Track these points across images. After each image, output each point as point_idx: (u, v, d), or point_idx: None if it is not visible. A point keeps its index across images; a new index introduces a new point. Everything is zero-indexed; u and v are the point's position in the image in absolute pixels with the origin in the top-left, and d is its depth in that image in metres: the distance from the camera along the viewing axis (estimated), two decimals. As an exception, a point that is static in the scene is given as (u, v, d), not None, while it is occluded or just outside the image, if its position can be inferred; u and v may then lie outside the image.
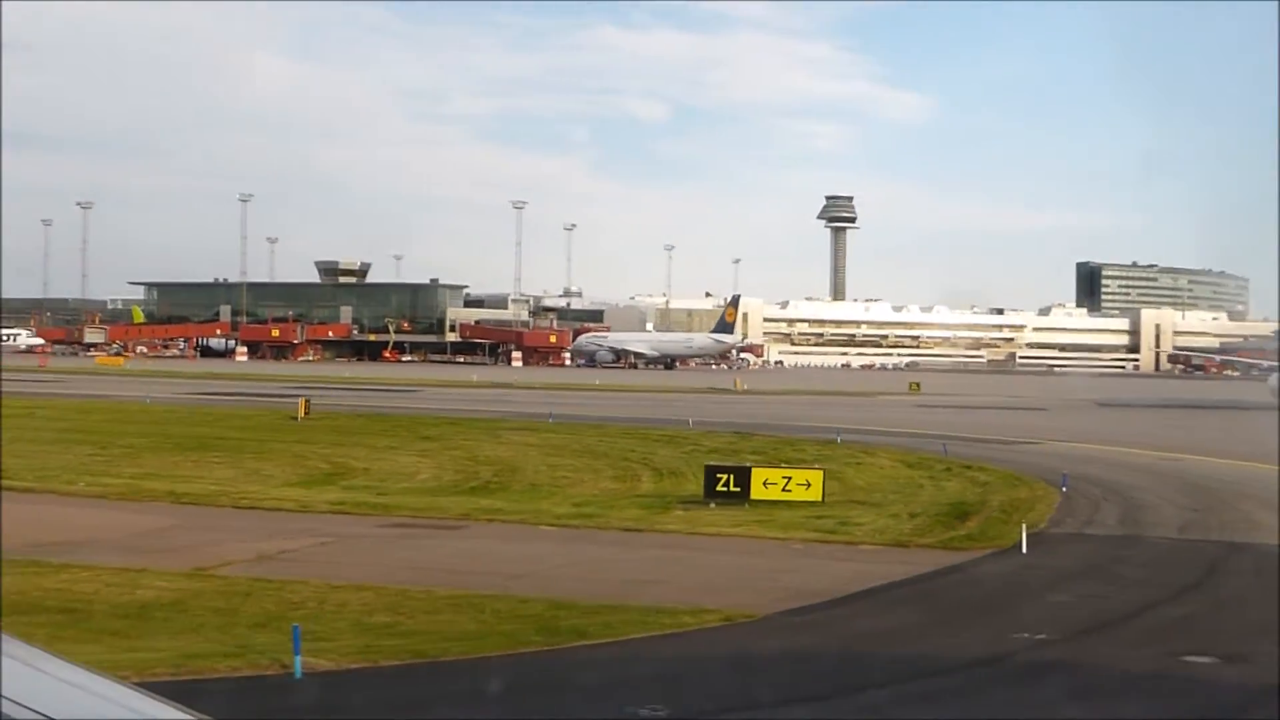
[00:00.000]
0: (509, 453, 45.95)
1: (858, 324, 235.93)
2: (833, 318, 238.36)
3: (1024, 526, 27.03)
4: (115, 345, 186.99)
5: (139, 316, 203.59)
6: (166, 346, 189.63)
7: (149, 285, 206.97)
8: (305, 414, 58.45)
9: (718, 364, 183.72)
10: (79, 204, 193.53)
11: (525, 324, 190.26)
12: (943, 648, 17.21)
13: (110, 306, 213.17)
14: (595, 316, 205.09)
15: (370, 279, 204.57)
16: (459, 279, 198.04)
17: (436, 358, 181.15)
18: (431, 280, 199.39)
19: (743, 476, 34.14)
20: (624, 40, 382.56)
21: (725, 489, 33.89)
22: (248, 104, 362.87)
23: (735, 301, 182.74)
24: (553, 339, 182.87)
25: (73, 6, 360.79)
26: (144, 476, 36.35)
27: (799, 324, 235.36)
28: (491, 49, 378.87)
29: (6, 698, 2.22)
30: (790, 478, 34.26)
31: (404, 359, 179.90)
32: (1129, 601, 21.00)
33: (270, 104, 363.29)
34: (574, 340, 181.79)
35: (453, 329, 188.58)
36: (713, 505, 32.96)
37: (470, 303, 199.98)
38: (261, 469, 40.14)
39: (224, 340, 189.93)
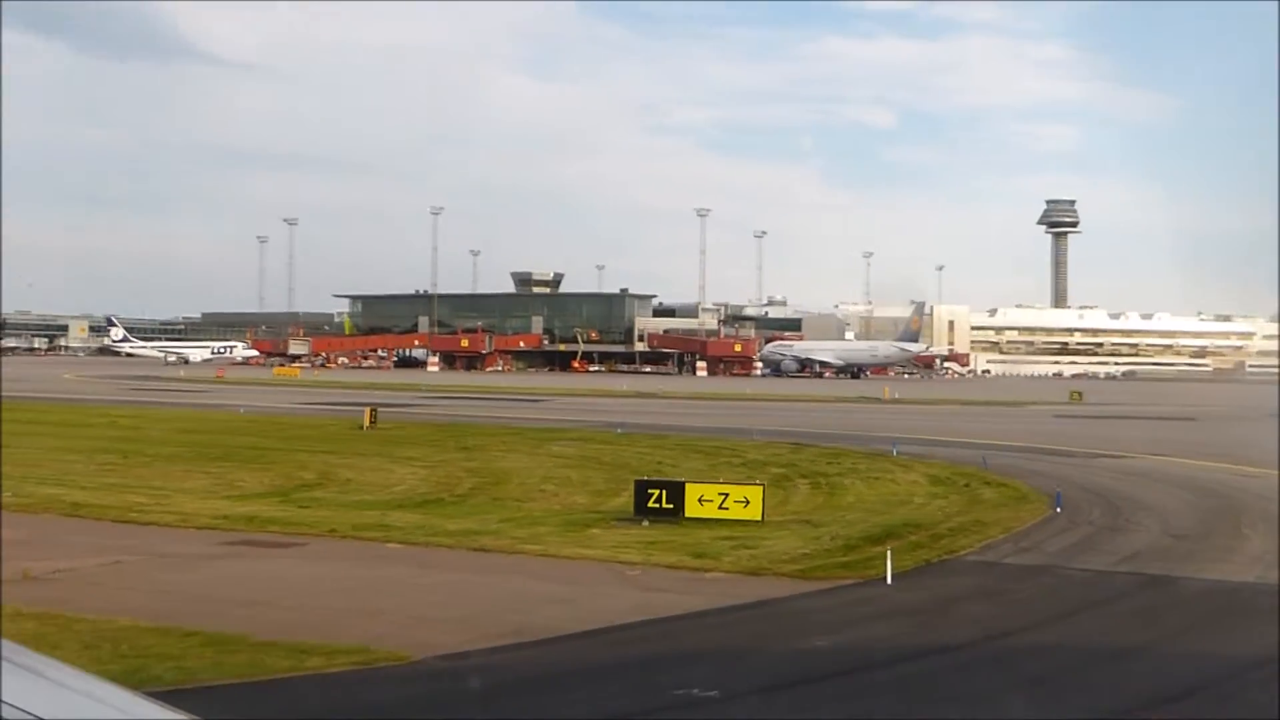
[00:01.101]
0: (521, 464, 44.28)
1: (1071, 331, 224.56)
2: (1044, 325, 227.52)
3: (889, 554, 23.35)
4: (319, 356, 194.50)
5: (350, 328, 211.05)
6: (366, 357, 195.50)
7: (353, 298, 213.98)
8: (371, 424, 58.04)
9: (915, 373, 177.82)
10: (285, 220, 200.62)
11: (711, 333, 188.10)
12: (556, 706, 14.38)
13: (338, 319, 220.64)
14: (793, 325, 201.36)
15: (564, 289, 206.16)
16: (667, 289, 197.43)
17: (624, 368, 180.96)
18: (621, 290, 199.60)
19: (676, 493, 31.39)
20: (850, 48, 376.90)
21: (658, 505, 31.22)
22: (482, 121, 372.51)
23: (921, 309, 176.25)
24: (737, 348, 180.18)
25: (308, 30, 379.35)
26: (101, 487, 35.72)
27: (1008, 332, 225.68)
28: (719, 61, 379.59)
29: (7, 703, 2.20)
30: (727, 494, 31.31)
31: (591, 369, 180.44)
32: (900, 649, 17.52)
33: (504, 121, 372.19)
34: (760, 349, 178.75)
35: (641, 339, 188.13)
36: (646, 523, 30.36)
37: (661, 312, 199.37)
38: (242, 480, 39.32)
39: (425, 351, 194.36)
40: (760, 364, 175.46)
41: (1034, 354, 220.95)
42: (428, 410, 71.81)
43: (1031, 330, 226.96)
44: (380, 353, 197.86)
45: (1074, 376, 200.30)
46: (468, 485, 39.17)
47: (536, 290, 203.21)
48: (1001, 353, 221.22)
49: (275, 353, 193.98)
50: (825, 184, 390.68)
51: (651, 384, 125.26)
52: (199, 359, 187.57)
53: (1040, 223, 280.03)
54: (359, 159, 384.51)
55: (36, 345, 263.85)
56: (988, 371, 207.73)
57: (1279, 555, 25.42)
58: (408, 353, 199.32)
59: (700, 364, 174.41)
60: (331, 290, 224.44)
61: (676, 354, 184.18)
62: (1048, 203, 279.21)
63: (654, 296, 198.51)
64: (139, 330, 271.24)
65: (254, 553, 25.10)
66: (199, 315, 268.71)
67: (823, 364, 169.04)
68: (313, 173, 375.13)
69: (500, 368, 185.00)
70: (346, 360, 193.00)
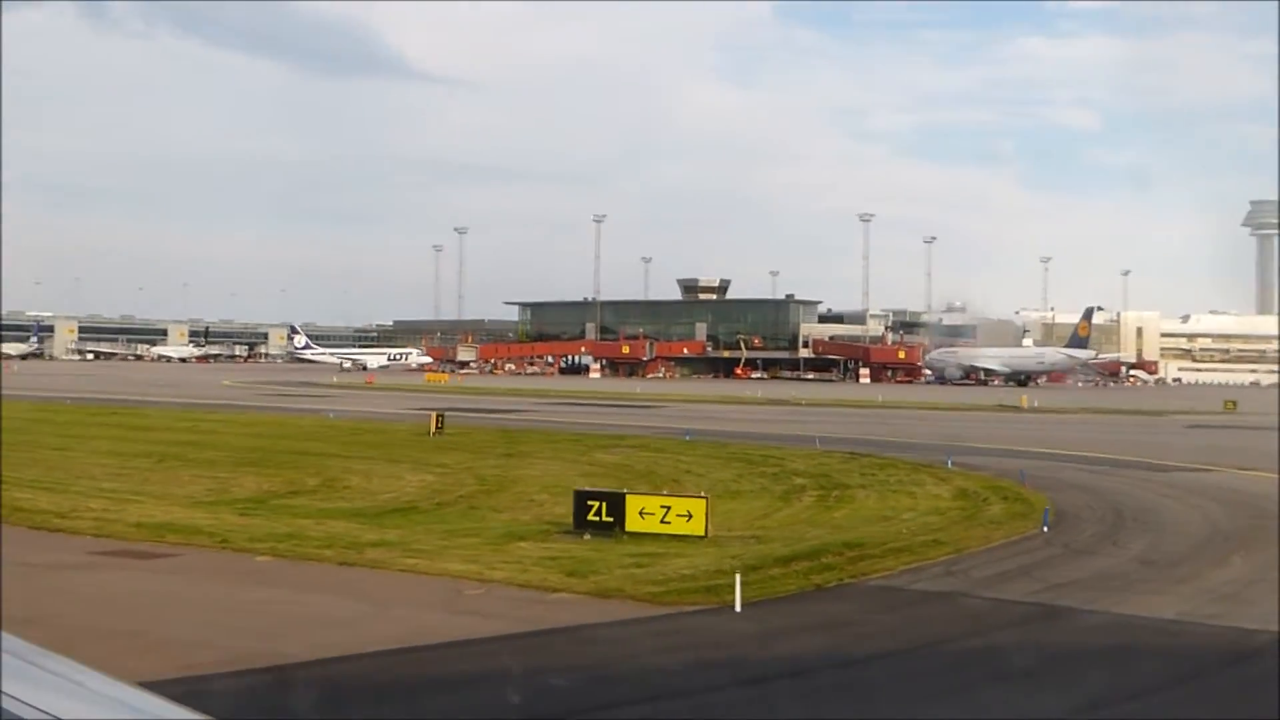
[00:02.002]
0: (542, 471, 42.99)
1: (1269, 338, 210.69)
2: (1241, 332, 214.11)
3: (737, 578, 20.73)
4: (487, 363, 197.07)
5: (522, 335, 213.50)
6: (532, 363, 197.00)
7: (523, 305, 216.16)
8: (437, 429, 57.46)
9: (1094, 380, 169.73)
10: (456, 229, 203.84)
11: (875, 340, 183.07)
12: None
13: (520, 326, 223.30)
14: (968, 332, 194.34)
15: (732, 295, 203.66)
16: (848, 295, 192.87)
17: (787, 374, 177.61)
18: (787, 296, 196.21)
19: (616, 505, 29.24)
20: (1051, 49, 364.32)
21: (597, 518, 29.15)
22: (675, 129, 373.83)
23: (1090, 314, 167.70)
24: (901, 354, 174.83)
25: (510, 44, 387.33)
26: (76, 491, 35.35)
27: (1200, 339, 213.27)
28: (918, 65, 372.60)
29: (7, 694, 2.14)
30: (669, 507, 28.90)
31: (754, 376, 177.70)
32: (648, 689, 15.27)
33: (697, 129, 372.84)
34: (926, 356, 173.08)
35: (805, 345, 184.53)
36: (586, 536, 28.39)
37: (829, 318, 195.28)
38: (241, 485, 38.86)
39: (592, 358, 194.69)
40: (927, 371, 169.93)
41: (1229, 362, 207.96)
42: (530, 416, 71.40)
43: (1227, 337, 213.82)
44: (547, 359, 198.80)
45: (1271, 385, 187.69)
46: (461, 493, 37.96)
47: (703, 296, 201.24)
48: (1194, 360, 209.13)
49: (447, 359, 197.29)
50: (1022, 187, 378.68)
51: (800, 391, 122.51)
52: (376, 365, 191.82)
53: (1244, 225, 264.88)
54: (554, 169, 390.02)
55: (238, 353, 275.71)
56: (1178, 380, 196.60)
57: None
58: (576, 359, 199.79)
59: (863, 371, 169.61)
60: (512, 297, 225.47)
61: (842, 361, 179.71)
62: (1252, 204, 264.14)
63: (819, 302, 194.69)
64: (334, 338, 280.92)
65: (110, 563, 23.97)
66: (391, 323, 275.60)
67: (988, 371, 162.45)
68: (509, 183, 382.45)
69: (662, 374, 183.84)
70: (513, 367, 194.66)
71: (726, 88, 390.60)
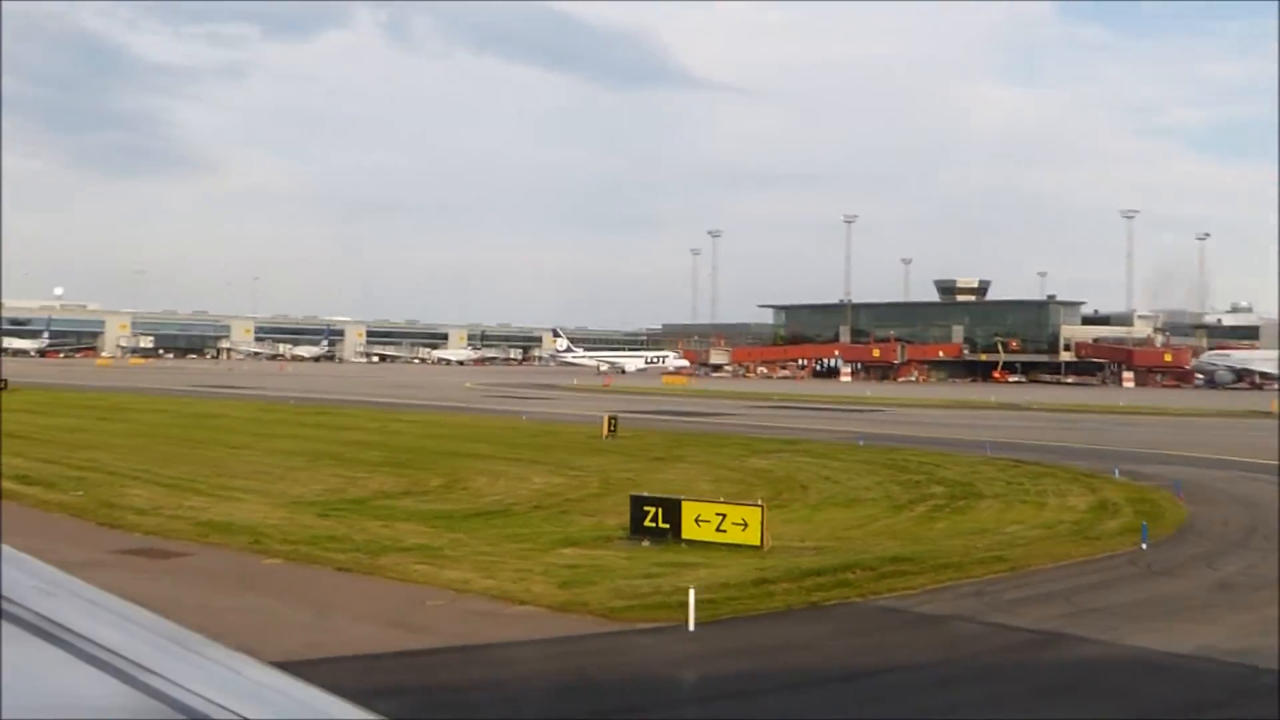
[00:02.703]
0: (686, 474, 41.86)
1: None
2: None
3: (691, 595, 18.83)
4: (739, 366, 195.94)
5: (779, 338, 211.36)
6: (784, 367, 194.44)
7: (776, 308, 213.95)
8: (610, 432, 56.69)
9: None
10: (709, 232, 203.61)
11: (1141, 342, 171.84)
12: None
13: (775, 329, 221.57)
14: (1251, 333, 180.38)
15: (992, 296, 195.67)
16: (1117, 298, 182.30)
17: (1046, 378, 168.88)
18: (1048, 297, 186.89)
19: (672, 511, 27.63)
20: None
21: (654, 524, 27.70)
22: (959, 131, 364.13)
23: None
24: (1167, 357, 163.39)
25: (789, 52, 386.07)
26: (194, 488, 36.22)
27: None
28: (1212, 57, 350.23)
29: (208, 699, 2.13)
30: (725, 515, 27.07)
31: (1011, 380, 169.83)
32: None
33: (983, 130, 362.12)
34: (1197, 359, 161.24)
35: (1067, 348, 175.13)
36: (645, 543, 27.10)
37: (1093, 320, 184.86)
38: (365, 483, 38.96)
39: (842, 361, 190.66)
40: (1199, 375, 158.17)
41: None
42: (725, 420, 70.19)
43: None
44: (799, 362, 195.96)
45: None
46: (572, 496, 36.96)
47: (960, 298, 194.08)
48: None
49: (701, 362, 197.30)
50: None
51: (1049, 396, 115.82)
52: (634, 368, 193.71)
53: None
54: (823, 171, 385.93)
55: (512, 356, 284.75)
56: None
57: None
58: (832, 363, 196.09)
59: (1126, 375, 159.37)
60: (770, 299, 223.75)
61: (1105, 364, 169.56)
62: None
63: (1082, 303, 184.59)
64: (605, 342, 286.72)
65: (116, 562, 24.05)
66: (660, 326, 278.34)
67: (1263, 375, 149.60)
68: (777, 186, 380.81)
69: (914, 378, 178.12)
70: (765, 370, 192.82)
71: (1008, 87, 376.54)
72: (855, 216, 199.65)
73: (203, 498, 33.88)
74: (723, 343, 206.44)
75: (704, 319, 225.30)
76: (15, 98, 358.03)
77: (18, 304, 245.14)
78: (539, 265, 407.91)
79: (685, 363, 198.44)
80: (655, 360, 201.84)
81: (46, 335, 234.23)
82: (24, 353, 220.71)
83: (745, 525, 26.71)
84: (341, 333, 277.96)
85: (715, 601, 19.94)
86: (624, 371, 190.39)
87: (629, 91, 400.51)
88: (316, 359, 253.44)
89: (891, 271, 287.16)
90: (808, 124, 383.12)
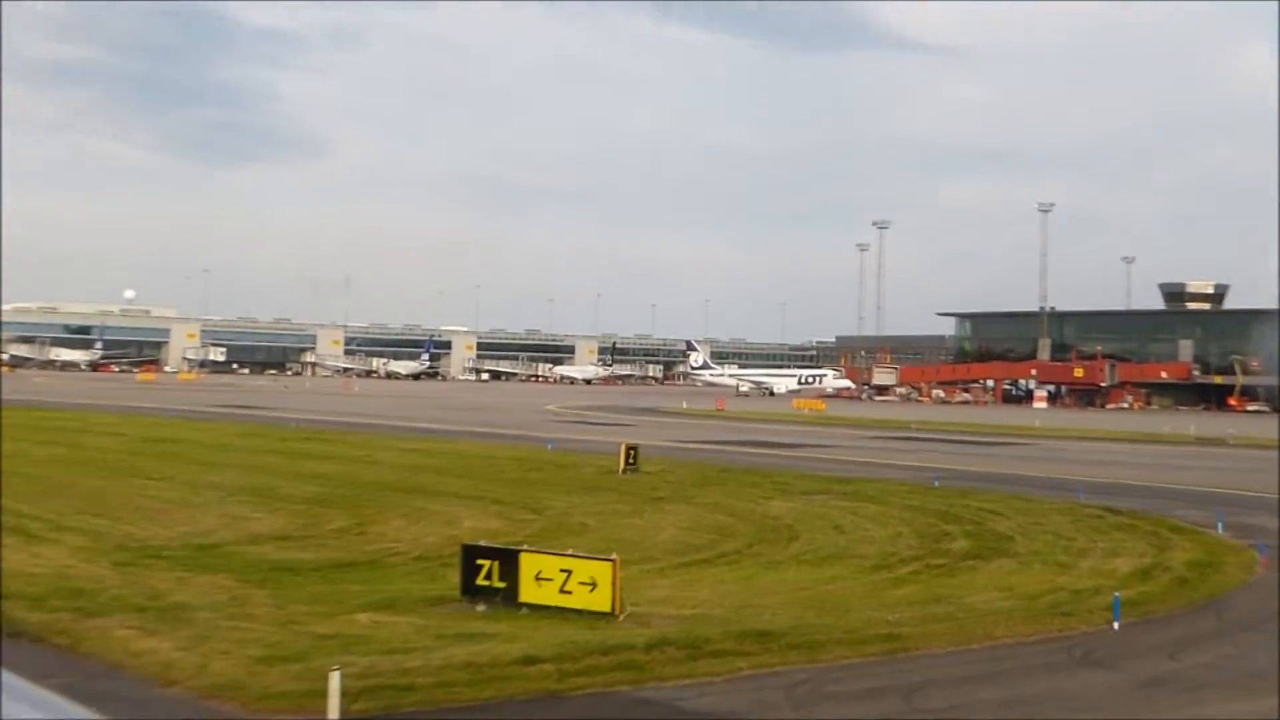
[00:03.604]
0: (666, 522, 40.64)
1: None
2: None
3: (333, 678, 17.02)
4: (909, 388, 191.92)
5: (967, 352, 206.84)
6: (965, 389, 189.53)
7: (960, 316, 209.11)
8: (628, 465, 55.49)
9: None
10: (875, 224, 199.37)
11: None
12: None
13: (961, 342, 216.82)
14: None
15: (1230, 304, 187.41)
16: None
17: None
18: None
19: (509, 565, 25.84)
20: None
21: (488, 582, 25.97)
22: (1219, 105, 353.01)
23: None
24: None
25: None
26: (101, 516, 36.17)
27: None
28: None
29: None
30: (570, 572, 25.13)
31: (1250, 408, 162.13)
32: None
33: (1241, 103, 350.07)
34: None
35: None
36: (481, 607, 25.59)
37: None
38: (264, 521, 38.86)
39: (1036, 383, 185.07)
40: None
41: None
42: (804, 455, 69.00)
43: None
44: (985, 383, 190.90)
45: None
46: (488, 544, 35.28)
47: (1192, 306, 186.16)
48: None
49: (864, 382, 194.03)
50: None
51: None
52: (784, 389, 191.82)
53: None
54: (1038, 153, 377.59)
55: (651, 374, 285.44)
56: None
57: None
58: (1025, 385, 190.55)
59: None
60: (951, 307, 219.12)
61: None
62: None
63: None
64: (765, 358, 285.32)
65: None
66: (834, 339, 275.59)
67: None
68: (987, 170, 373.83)
69: (1127, 404, 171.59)
70: (941, 393, 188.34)
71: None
72: (1051, 204, 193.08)
73: (16, 536, 33.33)
74: (888, 358, 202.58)
75: (874, 330, 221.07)
76: (86, 66, 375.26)
77: (74, 308, 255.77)
78: (690, 265, 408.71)
79: (847, 383, 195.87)
80: (810, 380, 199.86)
81: (100, 345, 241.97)
82: (74, 365, 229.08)
83: (594, 585, 24.65)
84: (448, 345, 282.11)
85: (415, 688, 18.30)
86: (772, 393, 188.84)
87: (813, 55, 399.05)
88: (416, 376, 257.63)
89: (1108, 272, 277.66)
90: (1026, 92, 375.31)
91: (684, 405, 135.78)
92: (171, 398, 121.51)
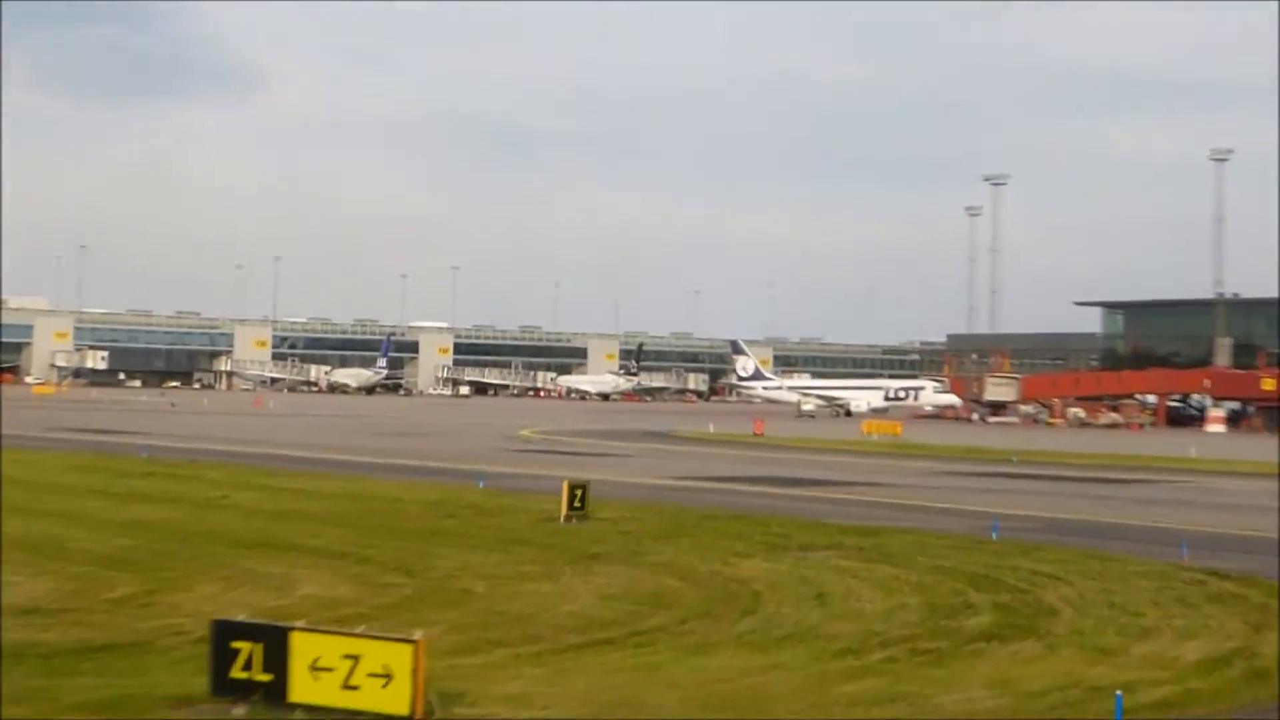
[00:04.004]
0: (548, 588, 40.49)
1: None
2: None
3: None
4: (1037, 406, 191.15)
5: (1123, 353, 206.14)
6: (1114, 407, 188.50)
7: (1108, 307, 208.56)
8: (571, 511, 55.72)
9: None
10: (988, 179, 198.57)
11: None
12: None
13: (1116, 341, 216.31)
14: None
15: None
16: None
17: None
18: None
19: (276, 649, 25.10)
20: None
21: (248, 673, 25.28)
22: None
23: None
24: None
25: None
26: None
27: None
28: None
29: None
30: (358, 658, 24.40)
31: None
32: None
33: None
34: None
35: None
36: (237, 710, 25.03)
37: None
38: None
39: (1210, 400, 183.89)
40: None
41: None
42: (854, 496, 70.72)
43: None
44: (1145, 399, 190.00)
45: None
46: (319, 618, 35.15)
47: None
48: None
49: (973, 398, 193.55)
50: None
51: None
52: (865, 407, 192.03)
53: None
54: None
55: (692, 386, 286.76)
56: None
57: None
58: (1202, 402, 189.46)
59: None
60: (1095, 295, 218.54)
61: None
62: None
63: None
64: (850, 364, 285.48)
65: None
66: (944, 338, 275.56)
67: None
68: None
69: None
70: (1081, 413, 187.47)
71: None
72: (1228, 152, 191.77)
73: None
74: (1006, 365, 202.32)
75: (988, 326, 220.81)
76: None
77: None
78: (747, 239, 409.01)
79: (952, 398, 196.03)
80: (902, 394, 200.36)
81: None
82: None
83: (389, 678, 23.89)
84: (415, 347, 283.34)
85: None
86: (848, 413, 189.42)
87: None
88: (369, 389, 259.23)
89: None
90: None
91: (710, 429, 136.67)
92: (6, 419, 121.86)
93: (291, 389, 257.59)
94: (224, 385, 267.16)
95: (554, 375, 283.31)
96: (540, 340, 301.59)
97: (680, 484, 75.29)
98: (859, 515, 59.73)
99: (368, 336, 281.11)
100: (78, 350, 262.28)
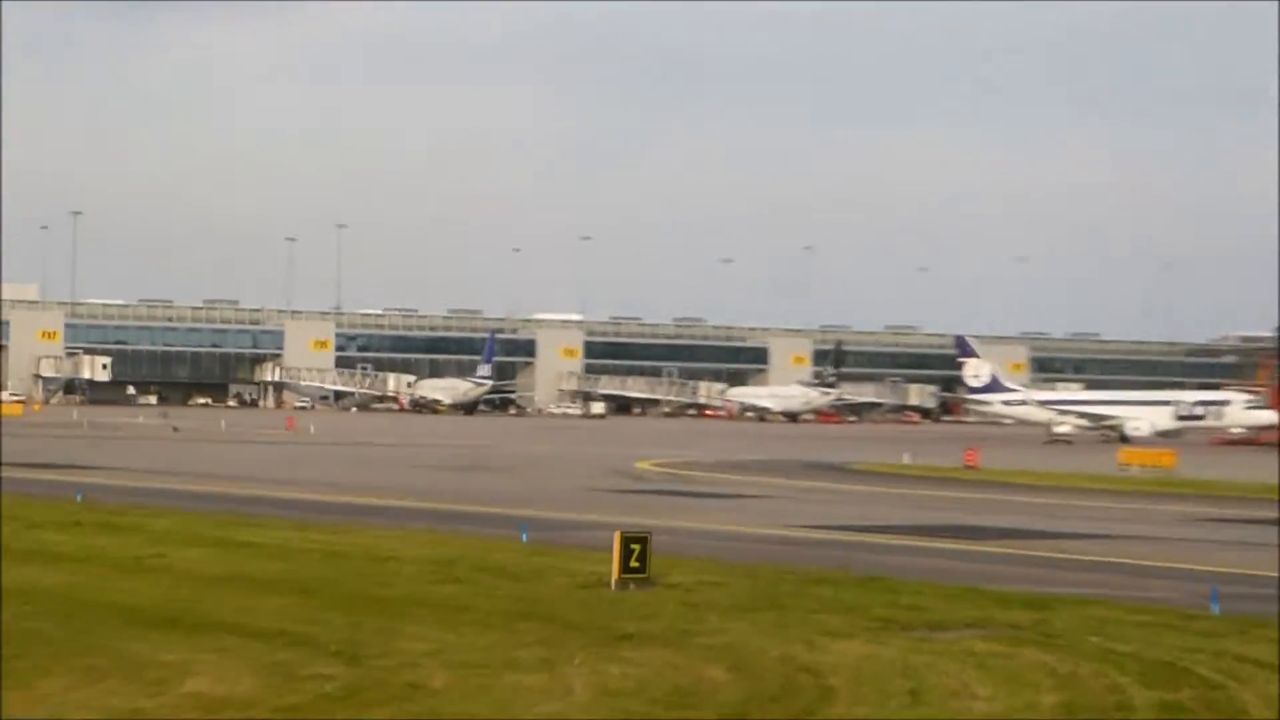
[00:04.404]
0: (532, 681, 39.91)
1: None
2: None
3: None
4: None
5: None
6: None
7: None
8: (626, 573, 55.25)
9: None
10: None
11: None
12: None
13: None
14: None
15: None
16: None
17: None
18: None
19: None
20: None
21: None
22: None
23: None
24: None
25: None
26: None
27: None
28: None
29: None
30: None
31: None
32: None
33: None
34: None
35: None
36: None
37: None
38: None
39: None
40: None
41: None
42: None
43: None
44: None
45: None
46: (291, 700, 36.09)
47: None
48: None
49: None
50: None
51: None
52: (1147, 429, 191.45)
53: None
54: None
55: (913, 401, 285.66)
56: None
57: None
58: None
59: None
60: None
61: None
62: None
63: None
64: (1145, 368, 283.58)
65: None
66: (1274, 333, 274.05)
67: None
68: None
69: None
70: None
71: None
72: None
73: None
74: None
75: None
76: None
77: None
78: (984, 192, 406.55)
79: (1271, 416, 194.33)
80: (1200, 412, 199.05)
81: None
82: None
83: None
84: (530, 348, 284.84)
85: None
86: (1124, 438, 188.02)
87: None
88: (468, 407, 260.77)
89: None
90: None
91: (905, 459, 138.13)
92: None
93: (362, 406, 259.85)
94: (270, 401, 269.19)
95: (722, 387, 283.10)
96: (704, 338, 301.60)
97: (813, 536, 75.95)
98: (1040, 580, 59.16)
99: (466, 334, 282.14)
100: (70, 355, 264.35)
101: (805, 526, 78.33)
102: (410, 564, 60.73)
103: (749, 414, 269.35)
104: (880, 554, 68.06)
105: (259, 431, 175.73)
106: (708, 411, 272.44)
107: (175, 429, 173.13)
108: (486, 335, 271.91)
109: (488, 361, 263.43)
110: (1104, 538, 77.34)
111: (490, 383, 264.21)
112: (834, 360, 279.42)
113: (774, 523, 78.08)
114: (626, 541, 56.04)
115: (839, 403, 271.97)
